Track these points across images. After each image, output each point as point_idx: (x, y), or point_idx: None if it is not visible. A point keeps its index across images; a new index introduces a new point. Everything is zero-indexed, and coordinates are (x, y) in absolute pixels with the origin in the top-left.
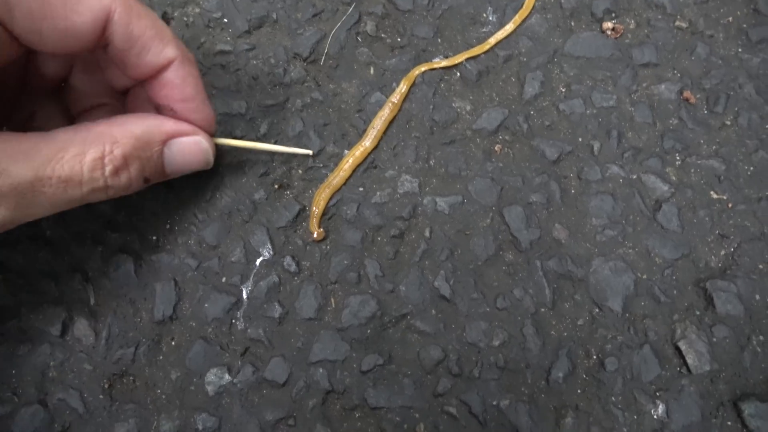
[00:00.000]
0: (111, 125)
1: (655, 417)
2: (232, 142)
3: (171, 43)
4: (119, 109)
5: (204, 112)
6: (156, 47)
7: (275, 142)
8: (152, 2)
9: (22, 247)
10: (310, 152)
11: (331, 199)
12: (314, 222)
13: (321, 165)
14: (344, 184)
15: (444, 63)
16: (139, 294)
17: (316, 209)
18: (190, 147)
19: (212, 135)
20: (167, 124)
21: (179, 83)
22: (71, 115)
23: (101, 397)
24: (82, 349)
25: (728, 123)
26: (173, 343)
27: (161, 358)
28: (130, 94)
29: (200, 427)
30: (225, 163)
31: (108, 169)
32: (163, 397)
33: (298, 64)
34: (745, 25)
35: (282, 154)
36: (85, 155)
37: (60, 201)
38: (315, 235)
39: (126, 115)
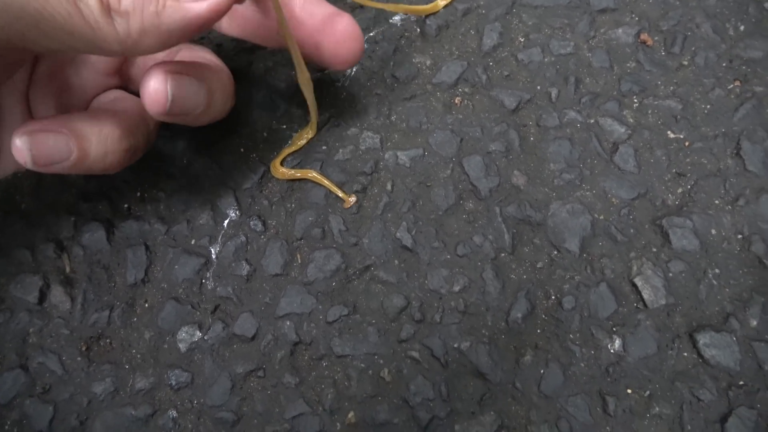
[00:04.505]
0: None
1: (611, 351)
2: None
3: None
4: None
5: None
6: None
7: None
8: None
9: None
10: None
11: (287, 157)
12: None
13: (285, 127)
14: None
15: None
16: (112, 260)
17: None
18: None
19: None
20: None
21: None
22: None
23: (79, 359)
24: (59, 315)
25: (685, 63)
26: (146, 304)
27: (135, 319)
28: None
29: (173, 383)
30: (191, 131)
31: None
32: (138, 356)
33: None
34: None
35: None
36: None
37: None
38: (349, 203)
39: None
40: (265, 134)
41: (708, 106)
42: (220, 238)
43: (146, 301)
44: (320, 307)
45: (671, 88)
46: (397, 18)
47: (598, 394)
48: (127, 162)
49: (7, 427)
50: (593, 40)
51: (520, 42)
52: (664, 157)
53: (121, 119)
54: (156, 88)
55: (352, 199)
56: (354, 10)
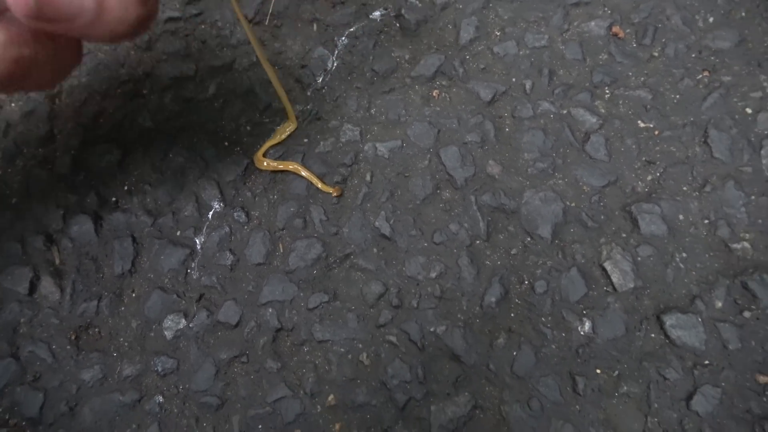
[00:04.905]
0: None
1: (582, 333)
2: None
3: None
4: None
5: None
6: None
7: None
8: None
9: None
10: None
11: (270, 149)
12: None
13: (267, 120)
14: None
15: None
16: (100, 251)
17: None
18: None
19: None
20: None
21: None
22: None
23: (68, 347)
24: (49, 305)
25: (656, 54)
26: (133, 294)
27: (123, 309)
28: None
29: (160, 369)
30: (177, 126)
31: None
32: (126, 344)
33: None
34: None
35: None
36: None
37: None
38: (336, 191)
39: None
40: (248, 128)
41: (677, 96)
42: (204, 229)
43: (133, 291)
44: (301, 294)
45: (642, 78)
46: (377, 14)
47: (569, 374)
48: (22, 80)
49: None
50: (567, 33)
51: (496, 35)
52: (634, 146)
53: (8, 26)
54: None
55: (339, 188)
56: (335, 6)
